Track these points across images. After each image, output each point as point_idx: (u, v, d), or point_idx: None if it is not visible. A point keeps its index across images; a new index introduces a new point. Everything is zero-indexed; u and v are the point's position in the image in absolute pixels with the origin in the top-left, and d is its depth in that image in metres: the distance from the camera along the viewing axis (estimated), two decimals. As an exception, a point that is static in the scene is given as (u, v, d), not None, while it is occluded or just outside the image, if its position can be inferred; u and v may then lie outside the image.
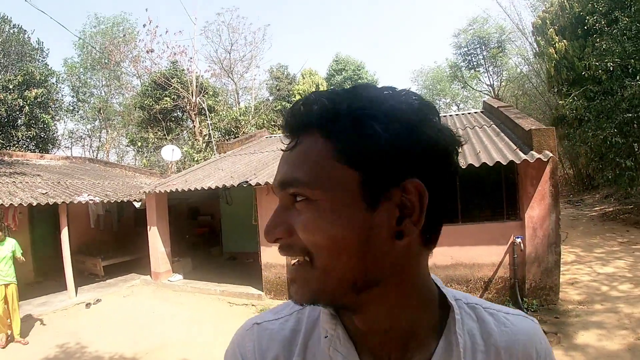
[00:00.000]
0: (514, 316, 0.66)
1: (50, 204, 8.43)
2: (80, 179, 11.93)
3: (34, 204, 8.10)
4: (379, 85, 0.57)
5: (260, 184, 7.21)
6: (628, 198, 14.52)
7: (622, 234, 10.38)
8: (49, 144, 22.87)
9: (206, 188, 8.00)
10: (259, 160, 9.66)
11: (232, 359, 0.71)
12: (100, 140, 32.20)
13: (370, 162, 0.50)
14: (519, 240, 6.08)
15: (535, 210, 6.02)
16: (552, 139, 5.90)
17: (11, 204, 7.81)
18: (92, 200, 9.31)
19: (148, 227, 9.80)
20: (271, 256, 7.64)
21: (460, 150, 0.58)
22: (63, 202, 8.63)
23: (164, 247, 9.75)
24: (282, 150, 0.57)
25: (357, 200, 0.51)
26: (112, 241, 12.69)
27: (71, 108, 28.05)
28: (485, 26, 28.60)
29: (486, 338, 0.61)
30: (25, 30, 23.71)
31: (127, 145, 26.54)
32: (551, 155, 5.68)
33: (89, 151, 32.17)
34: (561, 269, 6.74)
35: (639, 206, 12.91)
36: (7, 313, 6.16)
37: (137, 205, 10.29)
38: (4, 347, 6.06)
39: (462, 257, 6.41)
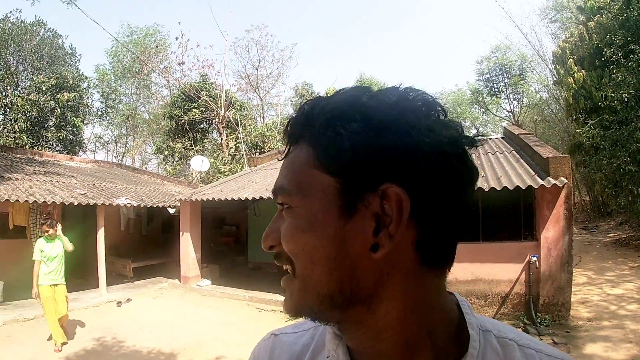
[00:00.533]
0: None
1: (91, 204, 8.94)
2: (113, 183, 12.42)
3: (75, 204, 8.58)
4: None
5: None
6: (642, 225, 14.70)
7: (634, 259, 10.72)
8: (77, 147, 23.66)
9: (243, 199, 8.55)
10: (291, 175, 10.21)
11: None
12: (126, 147, 33.09)
13: (344, 167, 0.48)
14: (534, 259, 6.53)
15: (550, 231, 6.48)
16: (568, 166, 6.42)
17: (53, 201, 8.24)
18: (129, 203, 9.86)
19: (181, 233, 10.32)
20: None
21: (472, 146, 0.54)
22: (103, 204, 9.16)
23: (195, 253, 10.26)
24: (278, 159, 0.74)
25: (332, 208, 0.48)
26: (140, 244, 13.18)
27: (99, 113, 28.88)
28: (508, 54, 29.20)
29: None
30: (60, 35, 24.55)
31: (154, 153, 27.22)
32: (566, 181, 6.18)
33: (113, 156, 33.12)
34: (573, 289, 7.18)
35: (652, 233, 13.16)
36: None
37: (172, 211, 10.83)
38: (59, 351, 5.88)
39: (482, 273, 6.86)
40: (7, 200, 7.66)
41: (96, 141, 31.48)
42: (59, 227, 6.20)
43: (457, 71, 68.74)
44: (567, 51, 14.43)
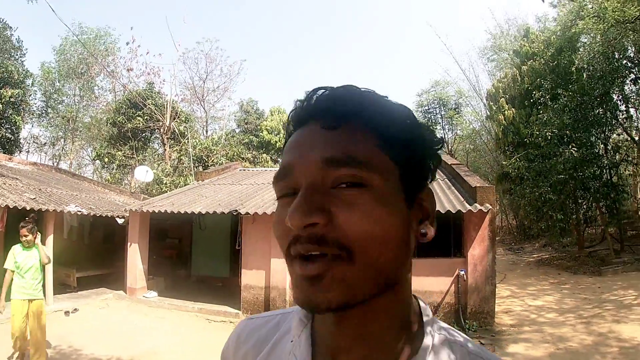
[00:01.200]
0: None
1: (43, 210, 8.71)
2: (57, 188, 12.13)
3: (28, 208, 8.26)
4: None
5: (250, 214, 8.10)
6: (564, 247, 16.21)
7: (554, 277, 11.89)
8: (14, 146, 22.57)
9: (196, 212, 8.81)
10: (241, 192, 10.56)
11: (223, 347, 0.73)
12: (63, 150, 31.75)
13: (413, 164, 0.51)
14: (462, 273, 7.39)
15: (476, 249, 7.38)
16: (492, 194, 7.39)
17: (7, 205, 8.01)
18: (80, 211, 9.71)
19: (129, 244, 10.26)
20: (251, 278, 8.51)
21: None
22: (54, 210, 9.00)
23: (143, 264, 10.24)
24: (321, 127, 0.50)
25: (400, 193, 0.50)
26: (83, 254, 12.63)
27: (40, 113, 27.89)
28: (446, 89, 31.40)
29: None
30: (9, 27, 23.51)
31: (94, 159, 26.38)
32: (490, 207, 7.13)
33: (48, 159, 31.70)
34: (498, 301, 8.07)
35: (571, 254, 14.50)
36: (27, 333, 5.22)
37: (120, 221, 10.75)
38: None
39: (417, 285, 7.45)
40: None
41: (33, 142, 30.05)
42: (38, 235, 5.42)
43: (396, 93, 71.24)
44: (500, 90, 15.87)
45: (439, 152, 0.57)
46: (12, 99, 20.31)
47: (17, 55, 23.94)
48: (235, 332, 0.72)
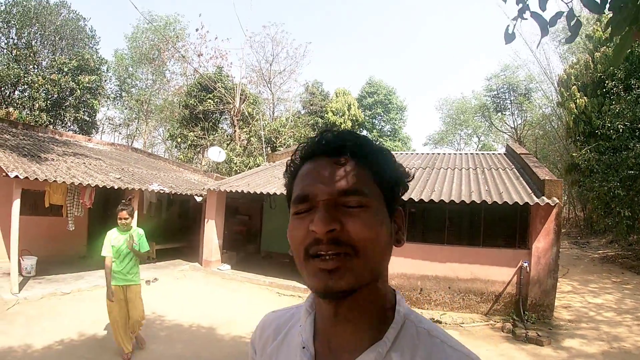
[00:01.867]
0: (453, 351, 0.68)
1: (129, 189, 9.44)
2: (137, 167, 12.91)
3: (116, 187, 9.03)
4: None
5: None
6: (631, 245, 15.59)
7: (617, 275, 11.60)
8: (91, 128, 24.30)
9: (271, 193, 9.41)
10: (312, 174, 11.03)
11: (252, 335, 0.95)
12: (137, 130, 33.73)
13: (391, 190, 0.73)
14: (525, 264, 7.47)
15: (541, 242, 7.43)
16: (560, 188, 7.38)
17: (88, 184, 8.52)
18: (162, 190, 10.48)
19: (206, 220, 11.07)
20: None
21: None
22: (139, 189, 9.74)
23: (218, 239, 11.02)
24: (333, 162, 0.70)
25: (384, 211, 0.71)
26: (161, 228, 13.44)
27: (114, 96, 29.48)
28: (516, 73, 30.16)
29: (412, 357, 0.67)
30: (82, 17, 24.81)
31: (167, 140, 27.76)
32: (557, 201, 7.14)
33: (122, 138, 33.81)
34: (558, 295, 8.13)
35: (637, 253, 14.00)
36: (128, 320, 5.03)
37: (198, 199, 11.54)
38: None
39: (480, 274, 7.80)
40: (45, 180, 7.81)
41: (108, 123, 32.08)
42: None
43: (463, 78, 69.28)
44: (572, 77, 15.16)
45: (408, 182, 0.78)
46: (89, 85, 22.06)
47: (91, 44, 25.29)
48: (261, 322, 0.93)
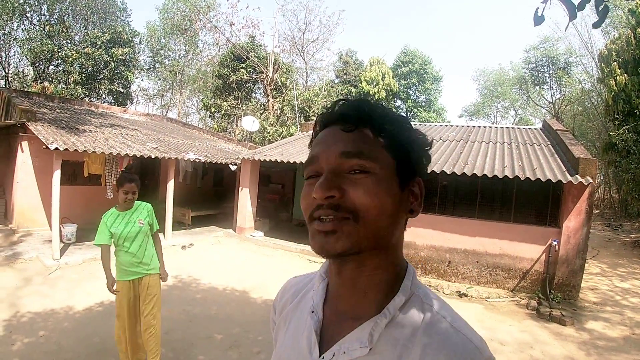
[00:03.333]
0: (455, 332, 0.67)
1: (166, 158, 9.63)
2: (173, 137, 13.15)
3: (153, 157, 9.23)
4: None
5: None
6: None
7: (648, 262, 11.39)
8: (126, 99, 24.84)
9: (304, 162, 9.53)
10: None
11: (274, 298, 0.98)
12: (171, 100, 34.22)
13: (404, 160, 0.71)
14: (555, 243, 7.46)
15: (572, 221, 7.39)
16: (595, 167, 7.27)
17: (126, 154, 8.71)
18: (197, 159, 10.68)
19: (240, 188, 11.37)
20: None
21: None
22: (176, 158, 9.95)
23: (251, 206, 11.36)
24: (341, 129, 0.70)
25: (395, 180, 0.69)
26: (196, 195, 14.12)
27: (147, 68, 29.89)
28: (556, 46, 29.06)
29: (413, 333, 0.67)
30: None
31: (201, 109, 28.14)
32: (591, 181, 7.04)
33: (156, 108, 34.53)
34: (586, 277, 8.13)
35: (671, 240, 13.60)
36: (138, 324, 3.76)
37: (233, 168, 11.82)
38: None
39: (509, 250, 7.86)
40: (84, 151, 7.96)
41: (142, 94, 32.73)
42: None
43: (502, 49, 67.03)
44: (613, 53, 14.56)
45: (429, 152, 0.77)
46: (122, 57, 22.41)
47: (123, 16, 25.41)
48: (283, 285, 0.97)
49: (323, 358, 0.72)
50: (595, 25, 1.95)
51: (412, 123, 0.77)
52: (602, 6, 1.77)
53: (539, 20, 2.00)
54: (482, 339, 0.69)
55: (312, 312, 0.79)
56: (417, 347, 0.66)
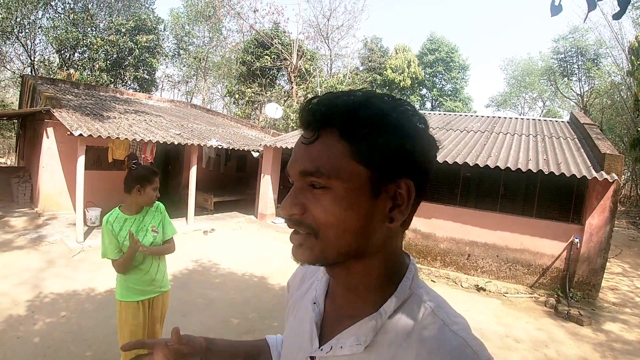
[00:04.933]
0: (452, 335, 0.65)
1: (189, 144, 9.78)
2: (197, 124, 13.30)
3: (176, 143, 9.38)
4: (381, 93, 0.68)
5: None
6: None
7: (672, 263, 11.08)
8: (151, 86, 25.20)
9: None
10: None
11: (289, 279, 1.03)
12: (195, 87, 34.50)
13: (378, 163, 0.63)
14: (577, 240, 7.31)
15: (595, 219, 7.22)
16: (621, 164, 7.09)
17: (150, 140, 8.92)
18: (220, 145, 10.87)
19: (262, 175, 11.51)
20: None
21: (439, 151, 0.72)
22: (198, 144, 10.09)
23: (273, 193, 11.49)
24: (302, 142, 0.67)
25: (364, 191, 0.64)
26: (219, 181, 14.34)
27: (172, 55, 30.15)
28: (585, 36, 28.21)
29: (408, 334, 0.67)
30: None
31: (225, 96, 28.31)
32: (616, 178, 6.87)
33: (181, 95, 34.78)
34: (607, 277, 7.97)
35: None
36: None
37: (255, 155, 11.95)
38: None
39: (530, 245, 7.76)
40: (108, 137, 8.21)
41: (167, 81, 33.10)
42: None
43: (531, 38, 65.33)
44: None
45: (428, 140, 0.68)
46: (147, 44, 22.76)
47: (147, 4, 25.56)
48: (296, 270, 1.01)
49: (322, 350, 0.74)
50: (616, 17, 1.86)
51: (406, 109, 0.67)
52: None
53: (556, 10, 1.93)
54: (481, 342, 0.66)
55: (314, 303, 0.81)
56: (412, 349, 0.65)
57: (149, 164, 10.04)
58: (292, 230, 0.70)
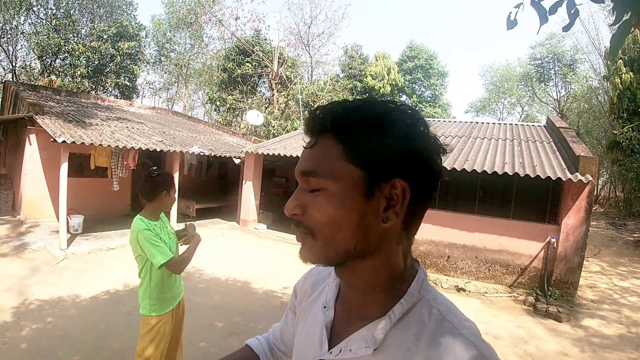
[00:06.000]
0: (461, 338, 0.65)
1: (171, 151, 9.75)
2: (178, 131, 13.24)
3: (158, 150, 9.32)
4: (384, 98, 0.72)
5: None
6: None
7: (649, 261, 11.38)
8: (132, 93, 24.99)
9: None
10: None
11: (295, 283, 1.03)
12: (176, 94, 34.34)
13: (371, 164, 0.65)
14: (553, 240, 7.48)
15: (571, 219, 7.40)
16: (595, 166, 7.28)
17: (132, 147, 8.85)
18: (202, 152, 10.83)
19: (244, 181, 11.48)
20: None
21: (444, 155, 0.72)
22: (181, 151, 10.07)
23: (255, 200, 11.46)
24: (304, 147, 0.72)
25: (358, 191, 0.66)
26: (200, 188, 14.26)
27: (153, 61, 30.08)
28: (562, 42, 28.93)
29: (417, 337, 0.67)
30: None
31: (206, 103, 28.20)
32: (591, 179, 7.06)
33: (162, 102, 34.66)
34: (585, 275, 8.16)
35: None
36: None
37: (237, 161, 11.89)
38: None
39: (507, 246, 7.91)
40: (91, 144, 8.07)
41: (148, 87, 32.86)
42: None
43: (510, 45, 66.64)
44: (620, 50, 14.54)
45: (428, 140, 0.69)
46: (128, 51, 22.58)
47: (129, 10, 25.51)
48: (306, 272, 1.02)
49: (331, 353, 0.75)
50: (565, 29, 1.97)
51: (404, 112, 0.69)
52: (573, 10, 1.81)
53: (512, 24, 2.04)
54: (491, 346, 0.66)
55: (325, 307, 0.82)
56: (421, 352, 0.65)
57: (131, 171, 10.04)
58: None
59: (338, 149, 0.67)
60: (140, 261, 2.78)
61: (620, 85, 13.44)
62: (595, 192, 20.13)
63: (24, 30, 21.09)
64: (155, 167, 2.90)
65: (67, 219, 8.29)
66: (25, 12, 20.40)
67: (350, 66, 30.63)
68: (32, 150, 9.54)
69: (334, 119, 0.67)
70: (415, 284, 0.73)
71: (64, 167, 7.86)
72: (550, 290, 7.45)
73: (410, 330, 0.68)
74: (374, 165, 0.66)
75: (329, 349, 0.76)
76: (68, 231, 8.56)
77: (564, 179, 7.15)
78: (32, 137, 9.50)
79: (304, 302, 0.95)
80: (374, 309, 0.73)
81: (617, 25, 1.72)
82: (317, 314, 0.85)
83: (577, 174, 7.19)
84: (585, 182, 7.09)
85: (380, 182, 0.66)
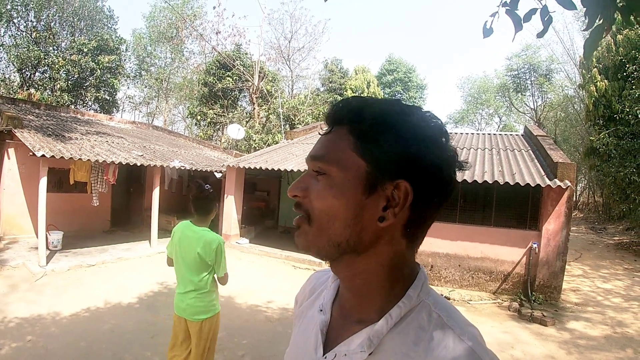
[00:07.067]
0: (463, 346, 0.62)
1: (152, 165, 9.62)
2: (158, 145, 13.07)
3: (138, 164, 9.24)
4: (410, 103, 0.70)
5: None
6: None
7: (630, 263, 11.64)
8: (112, 107, 24.67)
9: (288, 170, 9.64)
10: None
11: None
12: (157, 108, 34.09)
13: (376, 159, 0.64)
14: (535, 245, 7.60)
15: (552, 224, 7.52)
16: (573, 172, 7.44)
17: (112, 161, 8.70)
18: (183, 166, 10.68)
19: (225, 196, 11.39)
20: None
21: (460, 170, 0.70)
22: (161, 166, 9.93)
23: (237, 214, 11.36)
24: (319, 134, 0.72)
25: (359, 184, 0.65)
26: (181, 203, 14.04)
27: (134, 75, 29.77)
28: (538, 53, 29.61)
29: (416, 342, 0.65)
30: None
31: (187, 117, 28.05)
32: (569, 185, 7.22)
33: (142, 116, 34.31)
34: (568, 279, 8.26)
35: (653, 241, 13.83)
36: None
37: (218, 176, 11.82)
38: None
39: (490, 253, 7.99)
40: (71, 158, 7.97)
41: (128, 102, 32.37)
42: None
43: (486, 56, 67.94)
44: (594, 59, 14.82)
45: (441, 147, 0.67)
46: (109, 64, 22.35)
47: (110, 24, 25.36)
48: (308, 279, 1.00)
49: (325, 357, 0.72)
50: (540, 35, 2.00)
51: (422, 116, 0.68)
52: (547, 17, 1.83)
53: (488, 32, 2.06)
54: (493, 353, 0.64)
55: (321, 310, 0.80)
56: (420, 358, 0.63)
57: (111, 186, 9.89)
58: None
59: (349, 140, 0.67)
60: (206, 269, 3.07)
61: (595, 93, 13.78)
62: (575, 198, 20.57)
63: (4, 43, 20.88)
64: (209, 186, 3.25)
65: (46, 235, 8.13)
66: (6, 24, 20.22)
67: (330, 80, 30.86)
68: (10, 165, 9.38)
69: (351, 111, 0.68)
70: (415, 286, 0.70)
71: (43, 182, 7.69)
72: (534, 295, 7.52)
73: (408, 336, 0.66)
74: (380, 162, 0.65)
75: (323, 354, 0.74)
76: (47, 247, 8.38)
77: (543, 186, 7.27)
78: (11, 151, 9.35)
79: (301, 306, 0.94)
80: (371, 312, 0.70)
81: (589, 31, 1.74)
82: (313, 317, 0.83)
83: (556, 180, 7.32)
84: (564, 187, 7.23)
85: (383, 180, 0.65)
